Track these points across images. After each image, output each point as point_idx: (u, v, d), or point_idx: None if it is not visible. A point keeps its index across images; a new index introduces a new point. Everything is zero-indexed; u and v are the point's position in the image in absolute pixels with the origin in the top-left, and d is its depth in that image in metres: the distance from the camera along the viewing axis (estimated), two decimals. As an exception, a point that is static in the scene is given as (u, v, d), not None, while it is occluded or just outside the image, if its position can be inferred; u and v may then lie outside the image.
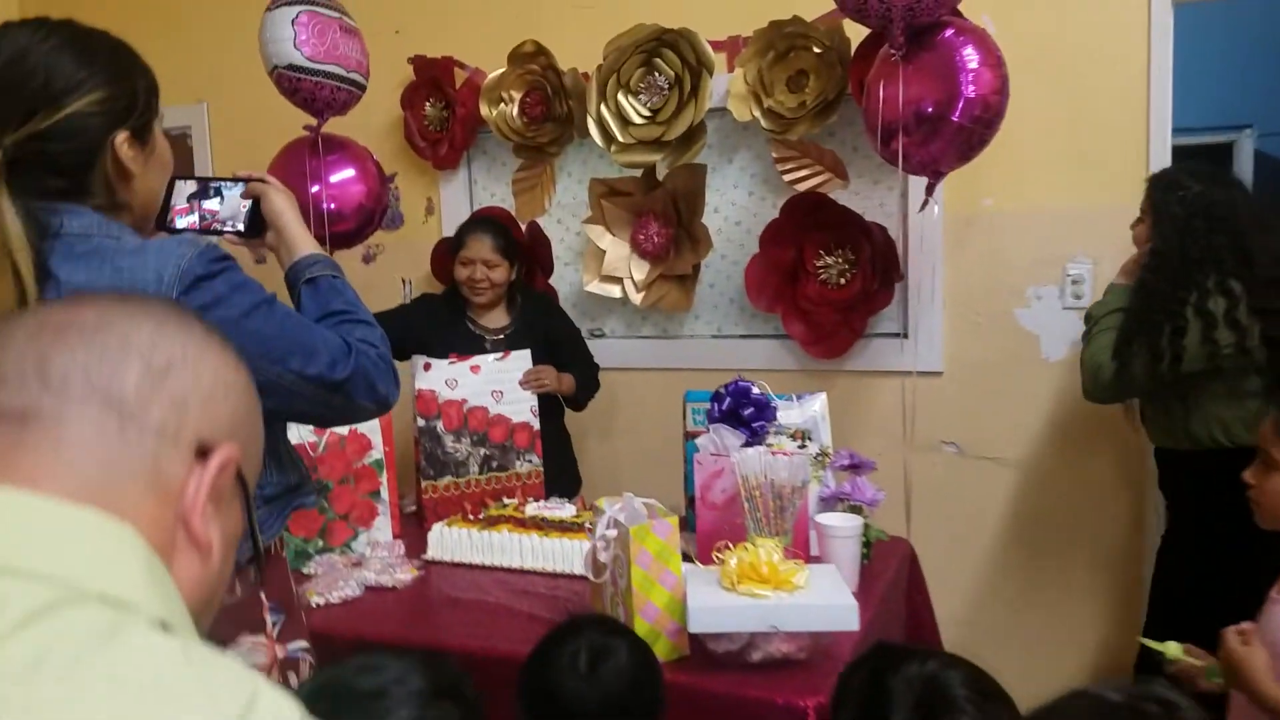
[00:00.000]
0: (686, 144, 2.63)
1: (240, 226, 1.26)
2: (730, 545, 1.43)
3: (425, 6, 3.08)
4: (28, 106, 1.00)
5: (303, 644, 1.23)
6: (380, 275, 3.23)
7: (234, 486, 0.60)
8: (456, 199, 3.11)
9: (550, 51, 2.77)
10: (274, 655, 1.17)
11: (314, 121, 2.49)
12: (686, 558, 1.81)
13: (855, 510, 1.77)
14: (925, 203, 2.20)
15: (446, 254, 2.93)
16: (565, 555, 1.90)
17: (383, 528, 2.15)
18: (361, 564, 1.98)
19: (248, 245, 1.29)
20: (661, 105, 2.62)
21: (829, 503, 1.82)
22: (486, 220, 2.64)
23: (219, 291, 1.05)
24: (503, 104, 2.87)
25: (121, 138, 1.06)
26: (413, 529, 2.26)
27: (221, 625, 1.09)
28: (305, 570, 1.98)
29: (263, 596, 1.18)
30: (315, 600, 1.81)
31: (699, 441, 1.79)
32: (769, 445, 1.75)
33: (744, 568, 1.37)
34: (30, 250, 0.96)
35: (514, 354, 2.35)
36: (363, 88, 2.49)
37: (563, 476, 2.60)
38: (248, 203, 1.27)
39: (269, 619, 1.18)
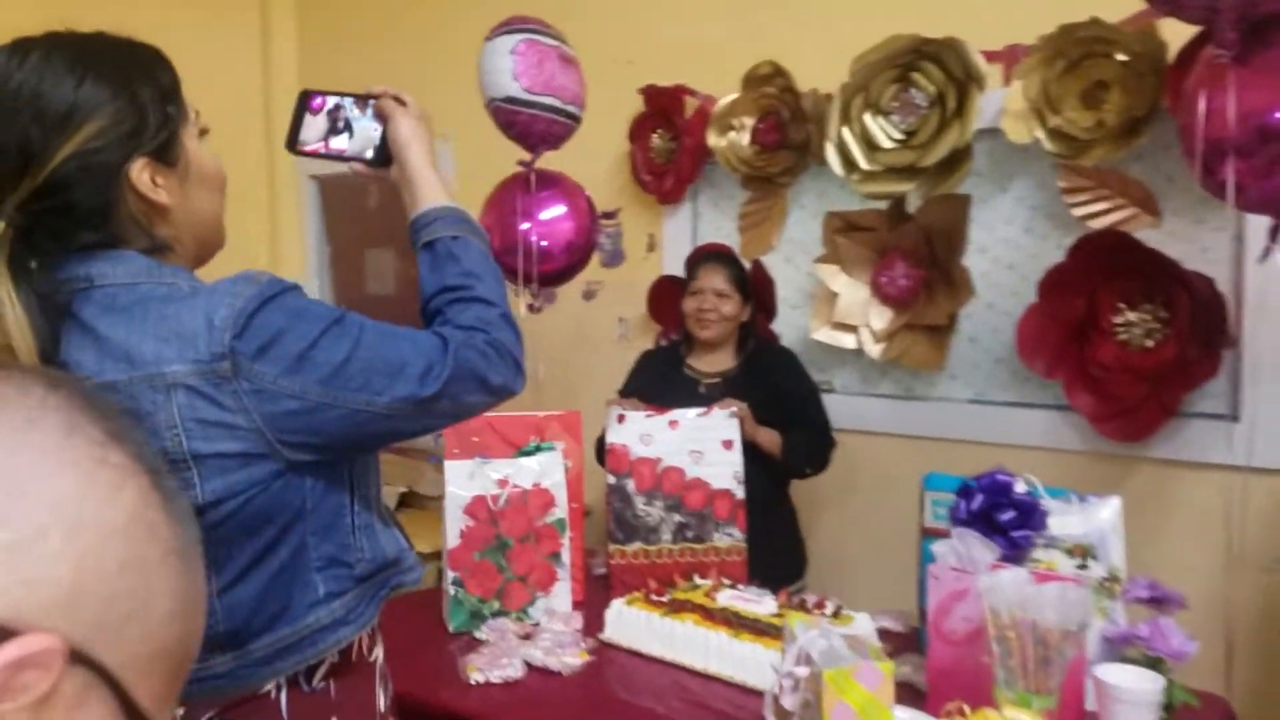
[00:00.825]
0: (947, 171, 2.22)
1: (369, 154, 1.09)
2: (967, 710, 1.03)
3: (658, 36, 2.90)
4: (20, 159, 0.83)
5: None
6: (599, 313, 3.08)
7: (88, 685, 0.37)
8: (679, 235, 2.88)
9: (789, 72, 2.48)
10: None
11: (528, 156, 2.36)
12: (911, 691, 1.41)
13: (1154, 664, 1.28)
14: (1267, 250, 1.65)
15: (665, 291, 2.72)
16: (756, 665, 1.55)
17: (562, 594, 1.93)
18: (532, 636, 1.79)
19: (376, 176, 1.10)
20: (918, 127, 2.23)
21: (1116, 645, 1.34)
22: (720, 252, 2.45)
23: (277, 325, 0.86)
24: (732, 132, 2.61)
25: (138, 167, 0.87)
26: (599, 596, 2.01)
27: None
28: (478, 635, 1.83)
29: None
30: (475, 677, 1.65)
31: (937, 549, 1.38)
32: (1034, 563, 1.30)
33: (985, 751, 0.96)
34: (35, 339, 0.81)
35: (717, 411, 2.04)
36: (578, 120, 2.33)
37: (783, 557, 2.29)
38: (380, 127, 1.09)
39: None
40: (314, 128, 1.11)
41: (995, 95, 2.21)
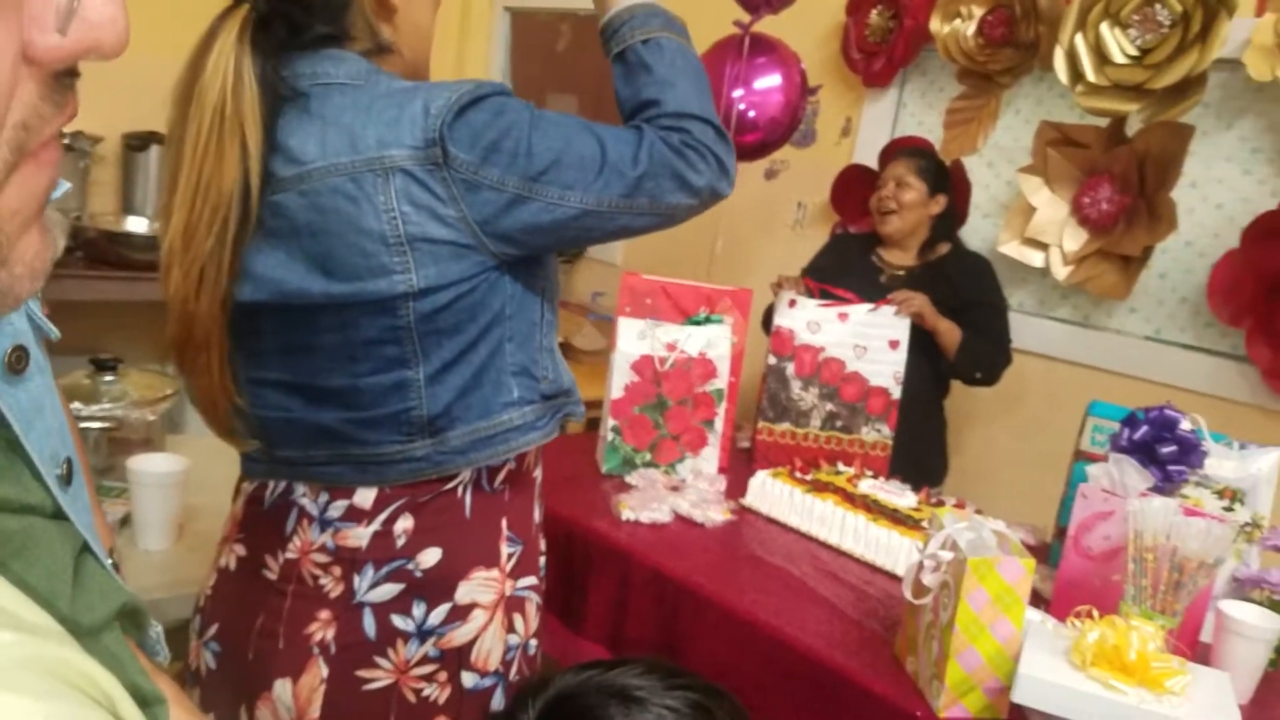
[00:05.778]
0: (1176, 97, 2.21)
1: None
2: (1095, 614, 1.19)
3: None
4: None
5: (532, 580, 1.11)
6: (778, 193, 3.17)
7: None
8: (879, 121, 2.92)
9: (1031, -35, 2.45)
10: (501, 593, 1.07)
11: (746, 18, 2.43)
12: (1037, 596, 1.58)
13: (1276, 607, 1.41)
14: None
15: (852, 180, 2.80)
16: (889, 549, 1.74)
17: (709, 459, 2.13)
18: (679, 489, 1.99)
19: None
20: (1155, 45, 2.21)
21: (1244, 586, 1.47)
22: (917, 148, 2.50)
23: (484, 119, 0.92)
24: (958, 19, 2.61)
25: None
26: (740, 467, 2.22)
27: (454, 554, 1.03)
28: (627, 479, 2.05)
29: (503, 524, 1.07)
30: (626, 515, 1.85)
31: (1091, 471, 1.51)
32: (1183, 498, 1.43)
33: (1104, 649, 1.13)
34: (261, 124, 0.91)
35: (887, 308, 2.17)
36: (807, -17, 2.39)
37: (925, 462, 2.43)
38: None
39: (504, 550, 1.07)
40: None
41: (1243, 24, 2.16)
